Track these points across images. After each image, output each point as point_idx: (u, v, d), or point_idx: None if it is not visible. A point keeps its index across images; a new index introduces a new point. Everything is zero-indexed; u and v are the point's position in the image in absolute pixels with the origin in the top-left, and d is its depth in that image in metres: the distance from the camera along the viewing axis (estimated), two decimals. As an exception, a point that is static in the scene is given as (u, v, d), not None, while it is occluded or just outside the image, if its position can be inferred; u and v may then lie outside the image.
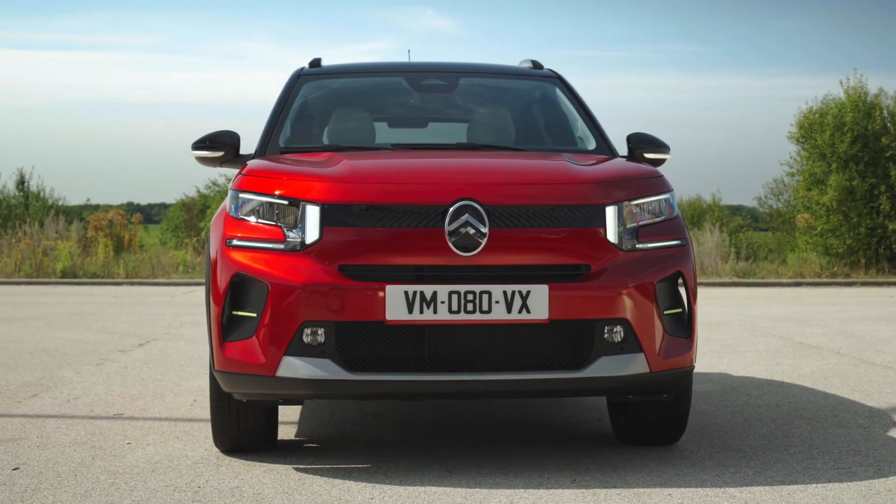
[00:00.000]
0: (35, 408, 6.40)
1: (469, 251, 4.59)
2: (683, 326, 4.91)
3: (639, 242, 4.84)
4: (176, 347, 9.53)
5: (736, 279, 20.56)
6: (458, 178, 4.85)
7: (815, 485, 4.56)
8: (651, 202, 4.98)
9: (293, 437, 5.58)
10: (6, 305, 14.41)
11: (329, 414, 6.20)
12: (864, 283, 20.21)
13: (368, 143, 6.00)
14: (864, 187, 22.56)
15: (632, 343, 4.69)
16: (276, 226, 4.75)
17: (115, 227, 24.81)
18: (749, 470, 4.83)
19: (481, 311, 4.54)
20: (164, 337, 10.43)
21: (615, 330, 4.68)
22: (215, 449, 5.23)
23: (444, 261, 4.61)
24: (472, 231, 4.59)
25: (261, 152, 5.77)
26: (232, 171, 10.71)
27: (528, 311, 4.55)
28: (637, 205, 4.91)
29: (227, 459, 5.04)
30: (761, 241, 26.89)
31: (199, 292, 16.82)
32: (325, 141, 6.06)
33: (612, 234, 4.77)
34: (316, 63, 6.59)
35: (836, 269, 21.82)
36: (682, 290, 4.96)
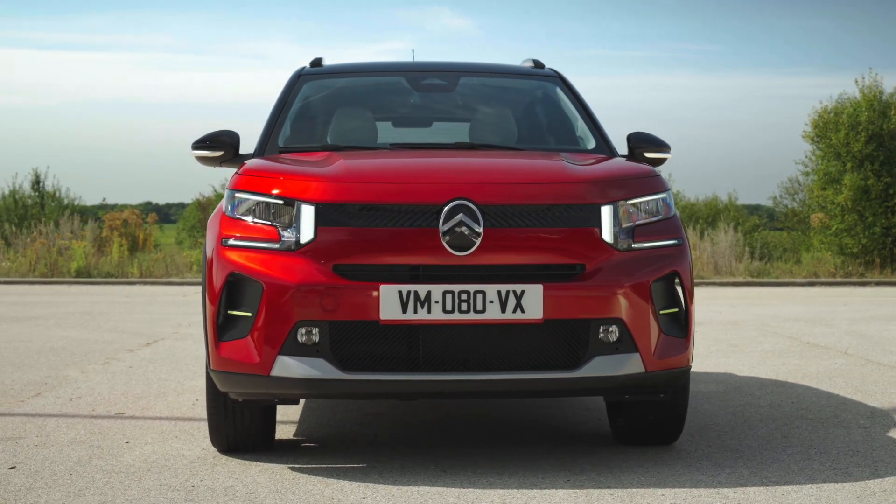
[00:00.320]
0: (37, 407, 6.42)
1: (463, 251, 4.59)
2: (680, 326, 4.89)
3: (634, 242, 4.82)
4: (183, 347, 9.56)
5: (750, 279, 20.49)
6: (452, 177, 4.85)
7: (809, 485, 4.55)
8: (647, 202, 4.96)
9: (291, 437, 5.58)
10: (19, 305, 14.48)
11: (329, 413, 6.20)
12: (878, 283, 20.12)
13: (369, 143, 6.00)
14: (879, 187, 22.46)
15: (627, 343, 4.68)
16: (271, 225, 4.75)
17: (129, 226, 24.91)
18: (745, 470, 4.81)
19: (475, 311, 4.54)
20: (173, 336, 10.45)
21: (610, 330, 4.67)
22: (213, 448, 5.24)
23: (438, 260, 4.60)
24: (466, 230, 4.58)
25: (260, 152, 5.79)
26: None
27: (523, 311, 4.55)
28: (633, 204, 4.90)
29: (224, 459, 5.05)
30: (776, 241, 26.81)
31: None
32: (327, 140, 6.07)
33: (607, 234, 4.75)
34: (317, 63, 6.60)
35: (850, 268, 21.73)
36: (679, 290, 4.93)
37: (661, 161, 5.96)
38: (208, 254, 4.92)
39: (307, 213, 4.67)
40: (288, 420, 6.00)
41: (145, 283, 19.70)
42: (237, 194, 4.91)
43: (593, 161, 5.41)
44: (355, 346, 4.58)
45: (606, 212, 4.77)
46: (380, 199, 4.68)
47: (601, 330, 4.65)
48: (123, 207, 28.48)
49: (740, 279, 20.46)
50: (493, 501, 4.30)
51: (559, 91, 6.42)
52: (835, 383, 7.38)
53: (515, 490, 4.46)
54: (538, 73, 6.61)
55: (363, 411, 6.25)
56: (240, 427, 5.07)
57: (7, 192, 27.96)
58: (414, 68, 6.66)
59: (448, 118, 6.75)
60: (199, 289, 18.16)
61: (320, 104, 6.33)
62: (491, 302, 4.54)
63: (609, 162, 5.45)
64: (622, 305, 4.66)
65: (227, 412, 5.04)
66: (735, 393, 6.97)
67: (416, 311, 4.52)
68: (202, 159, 5.91)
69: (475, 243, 4.59)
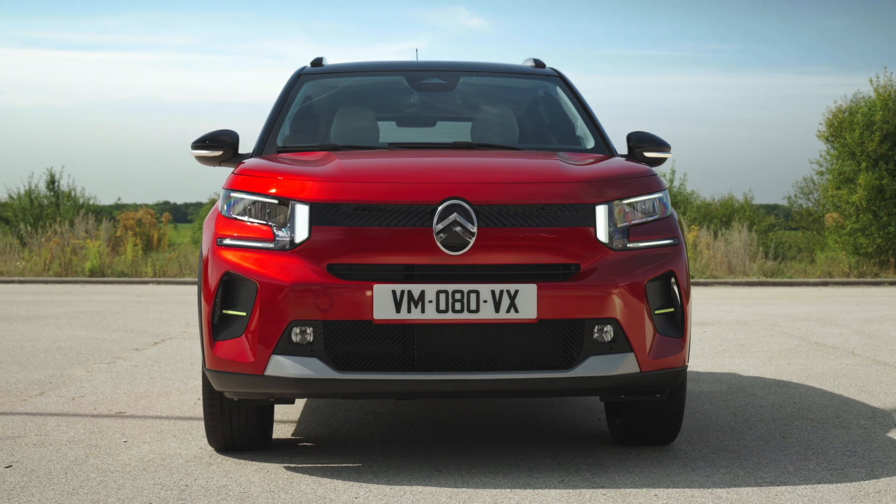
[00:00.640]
0: (39, 406, 6.44)
1: (457, 250, 4.59)
2: (675, 326, 4.87)
3: (630, 242, 4.81)
4: (190, 346, 9.58)
5: (763, 279, 20.43)
6: (446, 177, 4.85)
7: (804, 486, 4.53)
8: (643, 201, 4.94)
9: (289, 436, 5.59)
10: (31, 304, 14.53)
11: (329, 413, 6.21)
12: (892, 283, 20.05)
13: (370, 143, 6.00)
14: (894, 186, 22.37)
15: (621, 343, 4.67)
16: (266, 225, 4.76)
17: (144, 226, 25.00)
18: (740, 471, 4.79)
19: (469, 311, 4.53)
20: (181, 336, 10.48)
21: (605, 329, 4.66)
22: (210, 448, 5.25)
23: (432, 260, 4.60)
24: (460, 230, 4.58)
25: (258, 151, 5.79)
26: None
27: (517, 311, 4.54)
28: (629, 204, 4.88)
29: (220, 458, 5.06)
30: (791, 241, 26.73)
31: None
32: (328, 140, 6.06)
33: (602, 234, 4.74)
34: (318, 62, 6.60)
35: (865, 268, 21.65)
36: (675, 290, 4.92)
37: (660, 161, 5.93)
38: (204, 253, 4.94)
39: (301, 213, 4.68)
40: (287, 419, 6.00)
41: (158, 283, 19.76)
42: (233, 194, 4.92)
43: (590, 160, 5.40)
44: (349, 345, 4.58)
45: (601, 211, 4.76)
46: (374, 198, 4.68)
47: (595, 330, 4.64)
48: (139, 207, 28.59)
49: (753, 279, 20.40)
50: (485, 501, 4.29)
51: (559, 90, 6.40)
52: (839, 383, 7.35)
53: (508, 490, 4.46)
54: (539, 72, 6.60)
55: (363, 410, 6.25)
56: (236, 426, 5.08)
57: (23, 191, 28.12)
58: (414, 68, 6.66)
59: (448, 118, 6.74)
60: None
61: (320, 104, 6.33)
62: (485, 302, 4.53)
63: (605, 161, 5.43)
64: (616, 305, 4.65)
65: (223, 411, 5.05)
66: (737, 393, 6.95)
67: (409, 311, 4.52)
68: (201, 159, 5.91)
69: (469, 243, 4.59)
